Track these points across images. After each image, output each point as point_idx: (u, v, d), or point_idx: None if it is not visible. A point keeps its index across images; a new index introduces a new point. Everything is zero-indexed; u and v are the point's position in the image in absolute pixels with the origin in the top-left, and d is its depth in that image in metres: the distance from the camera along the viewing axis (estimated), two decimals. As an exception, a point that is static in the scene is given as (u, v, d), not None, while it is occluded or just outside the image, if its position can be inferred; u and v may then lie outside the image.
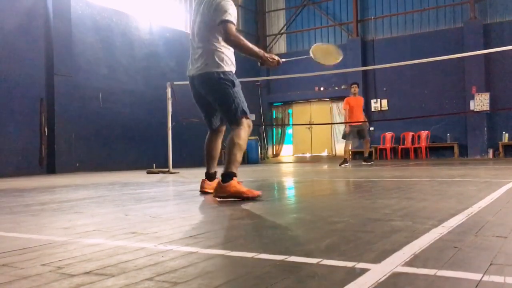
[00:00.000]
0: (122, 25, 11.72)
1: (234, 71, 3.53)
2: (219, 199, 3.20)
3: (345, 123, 10.22)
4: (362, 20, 15.90)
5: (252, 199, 3.16)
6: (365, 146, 10.46)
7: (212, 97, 3.50)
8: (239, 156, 3.35)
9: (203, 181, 3.85)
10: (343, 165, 9.77)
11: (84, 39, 10.70)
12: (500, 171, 6.50)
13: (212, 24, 3.39)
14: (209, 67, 3.42)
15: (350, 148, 10.49)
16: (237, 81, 3.50)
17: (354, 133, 10.07)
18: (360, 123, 10.05)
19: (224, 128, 3.83)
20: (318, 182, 5.50)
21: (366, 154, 10.45)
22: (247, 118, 3.45)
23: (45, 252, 1.62)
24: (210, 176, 3.85)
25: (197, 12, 3.54)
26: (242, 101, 3.45)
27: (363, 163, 10.41)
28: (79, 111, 10.37)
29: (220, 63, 3.42)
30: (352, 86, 10.44)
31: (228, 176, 3.23)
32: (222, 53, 3.46)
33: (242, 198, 3.15)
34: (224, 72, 3.41)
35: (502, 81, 13.50)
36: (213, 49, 3.44)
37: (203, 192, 3.79)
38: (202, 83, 3.50)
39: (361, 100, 10.42)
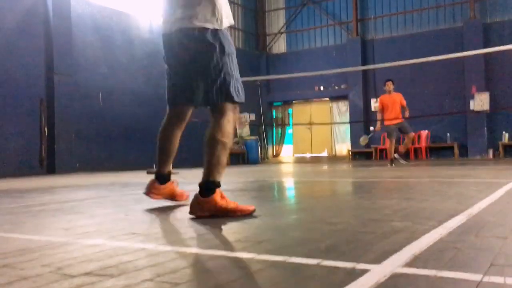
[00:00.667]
0: (122, 24, 11.72)
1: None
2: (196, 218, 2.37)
3: (343, 123, 10.07)
4: (362, 20, 15.90)
5: (242, 215, 2.37)
6: (406, 141, 9.70)
7: (192, 66, 2.49)
8: (223, 159, 2.42)
9: (152, 182, 2.81)
10: (390, 166, 9.11)
11: (84, 38, 10.69)
12: (500, 171, 6.50)
13: None
14: (195, 20, 2.42)
15: (392, 146, 9.61)
16: (231, 46, 2.51)
17: (396, 130, 9.54)
18: (398, 121, 9.42)
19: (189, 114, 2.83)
20: (318, 183, 5.50)
21: (402, 151, 9.75)
22: (234, 103, 2.50)
23: (45, 253, 1.62)
24: (162, 178, 2.81)
25: None
26: (234, 77, 2.48)
27: (396, 157, 9.60)
28: (79, 111, 10.37)
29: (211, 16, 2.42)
30: (386, 83, 9.78)
31: (209, 187, 2.36)
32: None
33: (228, 216, 2.35)
34: (215, 31, 2.43)
35: (502, 80, 13.50)
36: None
37: (149, 196, 2.82)
38: (180, 44, 2.49)
39: (397, 96, 9.64)
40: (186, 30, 2.44)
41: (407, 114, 9.62)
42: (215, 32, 2.42)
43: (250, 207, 2.45)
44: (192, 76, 2.50)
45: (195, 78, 2.49)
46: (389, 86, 9.70)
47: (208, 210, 2.35)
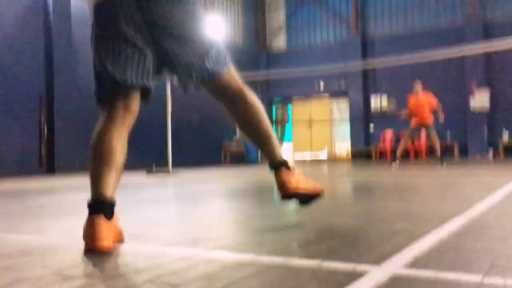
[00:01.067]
0: (122, 23, 11.70)
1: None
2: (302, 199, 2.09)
3: (343, 119, 9.94)
4: (363, 17, 15.89)
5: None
6: (434, 147, 9.16)
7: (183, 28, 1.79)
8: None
9: (98, 223, 1.61)
10: (393, 163, 8.84)
11: (84, 38, 10.67)
12: (501, 171, 6.50)
13: None
14: None
15: (406, 146, 9.25)
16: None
17: (418, 130, 9.20)
18: (424, 122, 8.95)
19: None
20: (318, 183, 5.49)
21: (438, 154, 8.98)
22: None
23: (45, 254, 1.62)
24: (110, 208, 1.71)
25: None
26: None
27: (439, 164, 8.77)
28: (79, 111, 10.36)
29: None
30: (415, 82, 9.37)
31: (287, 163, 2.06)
32: None
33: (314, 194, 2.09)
34: None
35: (503, 78, 13.48)
36: None
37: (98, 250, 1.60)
38: None
39: (426, 97, 9.13)
40: None
41: (440, 118, 9.12)
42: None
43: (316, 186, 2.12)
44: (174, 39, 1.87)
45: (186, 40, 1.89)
46: (417, 85, 9.24)
47: (306, 185, 2.06)
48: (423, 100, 9.04)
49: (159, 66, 1.87)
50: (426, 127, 9.04)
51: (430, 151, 9.25)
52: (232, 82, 1.98)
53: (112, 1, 1.78)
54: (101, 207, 1.66)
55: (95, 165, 1.87)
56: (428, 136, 9.24)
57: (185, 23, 1.77)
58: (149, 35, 1.78)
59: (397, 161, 8.92)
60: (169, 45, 1.78)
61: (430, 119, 8.96)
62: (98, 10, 1.89)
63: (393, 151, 14.35)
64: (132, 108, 2.00)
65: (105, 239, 1.58)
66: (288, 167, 2.01)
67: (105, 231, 1.60)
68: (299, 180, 2.02)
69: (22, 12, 9.51)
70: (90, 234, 1.59)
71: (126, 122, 1.97)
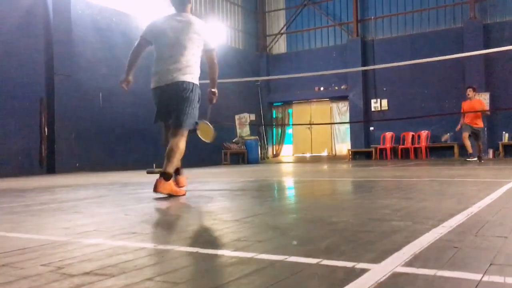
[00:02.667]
0: (122, 24, 11.72)
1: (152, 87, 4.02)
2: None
3: (344, 122, 10.20)
4: (362, 20, 15.90)
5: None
6: (477, 148, 10.31)
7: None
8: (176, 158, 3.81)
9: (158, 180, 3.52)
10: (468, 159, 9.86)
11: (84, 38, 10.70)
12: (500, 171, 6.50)
13: (197, 44, 3.82)
14: (190, 76, 3.79)
15: (468, 141, 10.17)
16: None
17: (468, 128, 10.05)
18: (474, 125, 10.00)
19: None
20: (318, 182, 5.50)
21: (470, 151, 10.26)
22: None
23: (45, 252, 1.62)
24: (165, 175, 3.57)
25: (178, 29, 3.80)
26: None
27: (468, 159, 10.22)
28: (79, 111, 10.37)
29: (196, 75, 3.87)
30: (466, 90, 10.27)
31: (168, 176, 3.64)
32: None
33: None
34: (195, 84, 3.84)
35: (502, 81, 13.49)
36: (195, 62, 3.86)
37: (157, 192, 3.53)
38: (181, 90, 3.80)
39: (476, 103, 10.19)
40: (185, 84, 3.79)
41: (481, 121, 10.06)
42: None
43: (182, 191, 3.71)
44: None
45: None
46: (469, 92, 10.11)
47: (168, 190, 3.55)
48: (474, 105, 10.07)
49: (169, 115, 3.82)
50: (475, 132, 10.10)
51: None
52: (183, 133, 3.75)
53: (156, 89, 3.88)
54: (162, 174, 3.53)
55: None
56: (477, 140, 10.18)
57: (179, 104, 3.73)
58: (167, 105, 3.80)
59: (473, 157, 10.01)
60: (172, 110, 3.77)
61: (478, 122, 10.04)
62: (153, 90, 3.92)
63: (393, 151, 14.38)
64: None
65: (159, 188, 3.47)
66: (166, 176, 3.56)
67: (161, 185, 3.47)
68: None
69: (23, 15, 9.52)
70: (154, 185, 3.49)
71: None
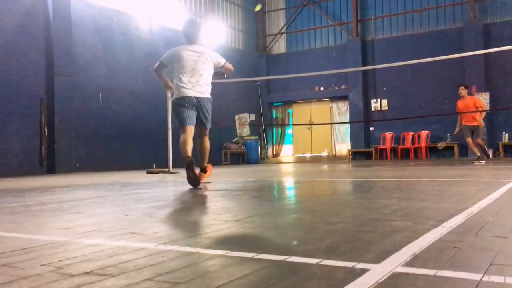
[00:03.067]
0: (122, 25, 11.72)
1: (181, 96, 4.90)
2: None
3: (344, 122, 10.11)
4: (362, 20, 15.90)
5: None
6: (475, 147, 9.92)
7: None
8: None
9: (199, 174, 4.91)
10: (475, 161, 9.48)
11: (84, 38, 10.70)
12: (500, 171, 6.50)
13: (210, 66, 5.04)
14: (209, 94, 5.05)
15: (475, 143, 9.87)
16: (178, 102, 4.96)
17: (467, 130, 9.83)
18: (473, 124, 9.74)
19: None
20: (318, 182, 5.50)
21: (477, 154, 9.79)
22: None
23: (45, 252, 1.62)
24: (203, 169, 5.14)
25: (195, 57, 4.94)
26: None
27: (474, 162, 9.61)
28: (79, 111, 10.37)
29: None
30: (459, 88, 10.00)
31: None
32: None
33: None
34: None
35: (502, 81, 13.50)
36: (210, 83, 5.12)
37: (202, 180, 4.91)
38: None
39: (470, 101, 9.91)
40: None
41: (478, 118, 9.78)
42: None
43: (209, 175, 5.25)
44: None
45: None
46: (461, 91, 9.90)
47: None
48: (468, 103, 9.83)
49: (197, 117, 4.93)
50: (474, 129, 9.80)
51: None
52: (207, 133, 5.07)
53: (183, 99, 4.81)
54: (202, 169, 5.08)
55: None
56: (477, 137, 9.86)
57: (205, 113, 4.92)
58: (197, 109, 4.89)
59: (482, 160, 9.66)
60: (202, 112, 4.90)
61: (475, 119, 9.74)
62: (180, 97, 4.84)
63: (393, 151, 14.37)
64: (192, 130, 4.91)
65: (202, 179, 4.88)
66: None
67: (202, 177, 4.95)
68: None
69: (23, 15, 9.52)
70: (198, 178, 4.55)
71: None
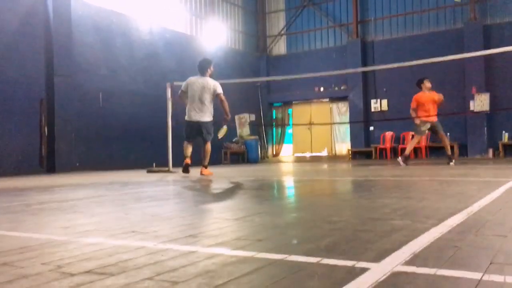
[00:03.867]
0: (122, 26, 11.72)
1: (187, 119, 6.92)
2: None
3: (344, 123, 9.99)
4: (362, 21, 15.90)
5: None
6: (443, 143, 9.16)
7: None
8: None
9: (201, 169, 6.98)
10: (451, 163, 8.60)
11: (84, 39, 10.69)
12: (500, 170, 6.50)
13: (211, 94, 6.80)
14: (208, 117, 6.85)
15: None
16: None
17: (426, 127, 8.96)
18: (430, 119, 8.85)
19: None
20: (318, 182, 5.50)
21: (448, 152, 9.00)
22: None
23: (45, 251, 1.62)
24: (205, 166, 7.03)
25: (201, 87, 6.78)
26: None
27: (449, 163, 8.75)
28: (79, 111, 10.37)
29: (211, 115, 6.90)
30: (424, 81, 9.10)
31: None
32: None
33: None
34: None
35: (502, 81, 13.50)
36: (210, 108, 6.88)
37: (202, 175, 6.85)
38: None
39: (435, 95, 8.99)
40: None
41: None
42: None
43: (211, 173, 6.95)
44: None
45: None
46: (427, 83, 9.07)
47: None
48: (433, 97, 8.96)
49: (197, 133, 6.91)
50: (433, 125, 8.96)
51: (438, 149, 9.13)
52: (208, 143, 6.97)
53: (189, 122, 6.88)
54: (204, 166, 7.02)
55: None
56: (437, 133, 9.12)
57: (203, 131, 6.85)
58: (199, 128, 6.86)
59: (403, 158, 8.96)
60: (202, 131, 6.85)
61: (435, 114, 8.94)
62: (188, 120, 6.87)
63: (393, 151, 14.37)
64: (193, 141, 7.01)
65: (203, 173, 6.92)
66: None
67: (204, 172, 6.95)
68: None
69: (23, 15, 9.52)
70: (200, 172, 6.99)
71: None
